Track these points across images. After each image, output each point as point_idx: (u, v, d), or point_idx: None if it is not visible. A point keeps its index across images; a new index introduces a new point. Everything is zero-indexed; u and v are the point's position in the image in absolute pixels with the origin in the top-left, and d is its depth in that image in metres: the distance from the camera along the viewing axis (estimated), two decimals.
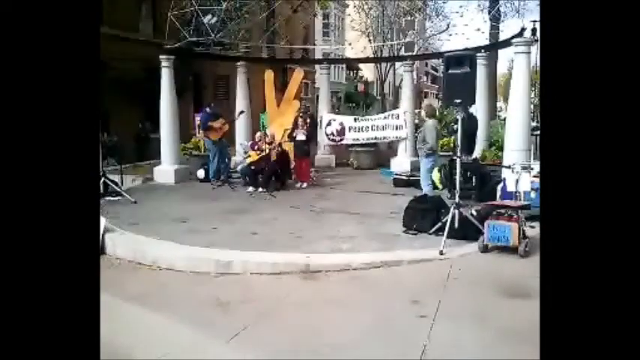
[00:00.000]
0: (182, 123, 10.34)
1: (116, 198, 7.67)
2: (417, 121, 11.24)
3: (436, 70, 48.67)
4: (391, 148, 11.73)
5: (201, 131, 9.79)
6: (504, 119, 9.98)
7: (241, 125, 11.12)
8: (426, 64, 48.16)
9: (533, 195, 5.93)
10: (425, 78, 48.83)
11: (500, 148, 8.18)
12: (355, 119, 11.70)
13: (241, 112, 10.74)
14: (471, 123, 7.31)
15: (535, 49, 9.86)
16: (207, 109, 9.77)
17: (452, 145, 8.68)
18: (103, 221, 5.46)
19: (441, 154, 8.30)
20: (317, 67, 15.01)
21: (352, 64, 35.41)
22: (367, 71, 38.32)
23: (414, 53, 20.29)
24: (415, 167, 9.33)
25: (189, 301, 4.07)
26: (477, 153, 8.44)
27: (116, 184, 8.00)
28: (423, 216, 5.77)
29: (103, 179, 7.67)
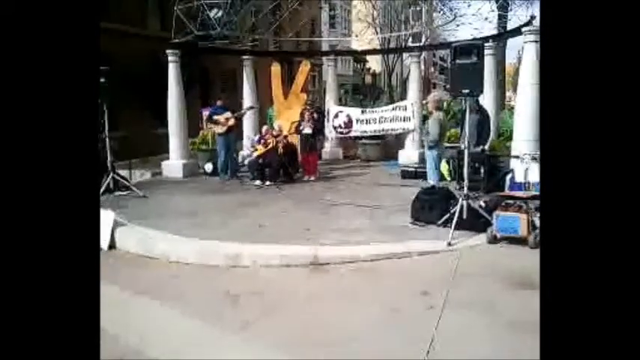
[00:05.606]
0: (189, 117, 10.35)
1: (125, 193, 7.75)
2: (424, 112, 11.16)
3: (444, 61, 48.11)
4: (399, 139, 11.67)
5: (208, 124, 9.80)
6: (512, 108, 9.88)
7: (249, 119, 11.13)
8: (434, 55, 47.68)
9: None
10: (433, 68, 48.35)
11: (509, 138, 8.10)
12: (362, 111, 11.60)
13: (250, 107, 10.72)
14: (481, 114, 7.25)
15: None
16: (218, 102, 9.77)
17: (459, 136, 8.62)
18: (112, 216, 5.52)
19: (448, 145, 8.25)
20: (324, 59, 14.95)
21: (359, 56, 35.19)
22: (374, 63, 38.07)
23: (422, 44, 20.11)
24: (423, 159, 9.28)
25: (199, 294, 4.11)
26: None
27: (125, 179, 8.09)
28: (431, 207, 5.75)
29: (112, 175, 7.76)
